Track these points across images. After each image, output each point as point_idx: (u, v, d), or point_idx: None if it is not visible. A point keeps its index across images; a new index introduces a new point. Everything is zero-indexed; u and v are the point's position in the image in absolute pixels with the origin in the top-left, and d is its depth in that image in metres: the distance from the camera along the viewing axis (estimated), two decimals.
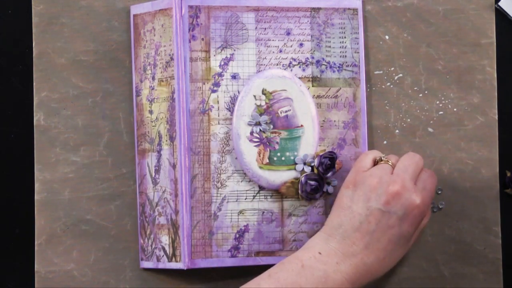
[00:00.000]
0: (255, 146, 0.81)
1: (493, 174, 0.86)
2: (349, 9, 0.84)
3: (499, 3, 0.87)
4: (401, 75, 0.86)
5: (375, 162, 0.78)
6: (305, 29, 0.83)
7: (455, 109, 0.86)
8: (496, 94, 0.87)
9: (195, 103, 0.80)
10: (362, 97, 0.84)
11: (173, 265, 0.81)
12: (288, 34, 0.83)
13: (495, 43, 0.87)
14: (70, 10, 0.84)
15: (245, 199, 0.82)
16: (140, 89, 0.83)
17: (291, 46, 0.83)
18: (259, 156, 0.81)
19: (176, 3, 0.80)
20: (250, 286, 0.70)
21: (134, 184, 0.84)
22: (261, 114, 0.81)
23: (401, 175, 0.74)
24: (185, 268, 0.80)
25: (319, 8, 0.83)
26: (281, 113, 0.82)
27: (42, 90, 0.84)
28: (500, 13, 0.87)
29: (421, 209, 0.72)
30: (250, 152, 0.81)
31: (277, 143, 0.82)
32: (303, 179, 0.82)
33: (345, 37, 0.84)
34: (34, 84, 0.84)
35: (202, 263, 0.80)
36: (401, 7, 0.86)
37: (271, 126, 0.82)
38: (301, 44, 0.83)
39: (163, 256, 0.81)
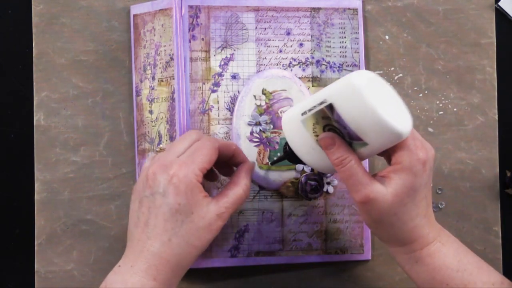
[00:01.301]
0: (255, 146, 0.81)
1: (493, 174, 0.86)
2: (349, 9, 0.84)
3: (499, 3, 0.87)
4: (401, 75, 0.86)
5: None
6: (305, 29, 0.83)
7: (455, 109, 0.86)
8: (496, 94, 0.87)
9: (195, 103, 0.80)
10: None
11: None
12: (288, 34, 0.83)
13: (495, 43, 0.87)
14: (70, 10, 0.84)
15: None
16: (140, 89, 0.83)
17: (291, 46, 0.83)
18: (259, 156, 0.81)
19: (176, 3, 0.80)
20: None
21: (134, 184, 0.84)
22: (261, 114, 0.81)
23: (161, 155, 0.71)
24: None
25: (319, 8, 0.83)
26: (281, 113, 0.82)
27: (42, 90, 0.84)
28: (500, 13, 0.87)
29: (180, 176, 0.67)
30: (250, 152, 0.81)
31: (277, 143, 0.82)
32: (303, 179, 0.82)
33: (345, 37, 0.84)
34: (34, 84, 0.84)
35: (202, 263, 0.80)
36: (401, 7, 0.86)
37: (271, 126, 0.82)
38: (301, 44, 0.83)
39: None
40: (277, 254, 0.82)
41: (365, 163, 0.84)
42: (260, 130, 0.82)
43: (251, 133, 0.81)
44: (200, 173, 0.68)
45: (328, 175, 0.82)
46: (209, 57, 0.81)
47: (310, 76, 0.83)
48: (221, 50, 0.81)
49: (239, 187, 0.72)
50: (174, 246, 0.67)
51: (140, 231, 0.68)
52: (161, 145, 0.79)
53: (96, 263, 0.83)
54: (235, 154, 0.74)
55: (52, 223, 0.83)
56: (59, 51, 0.84)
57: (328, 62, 0.84)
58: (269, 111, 0.82)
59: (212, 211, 0.69)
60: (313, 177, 0.82)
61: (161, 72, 0.81)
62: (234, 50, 0.82)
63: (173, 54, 0.80)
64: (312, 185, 0.82)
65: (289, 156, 0.74)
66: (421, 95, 0.86)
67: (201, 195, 0.68)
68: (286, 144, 0.73)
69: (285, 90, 0.82)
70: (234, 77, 0.81)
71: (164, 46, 0.81)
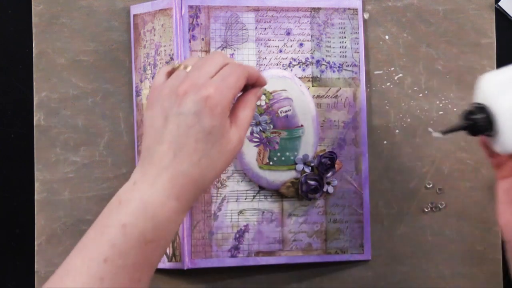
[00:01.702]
0: (255, 146, 0.81)
1: (493, 174, 0.86)
2: (349, 9, 0.84)
3: (499, 3, 0.87)
4: (401, 75, 0.86)
5: (171, 74, 0.71)
6: (305, 29, 0.83)
7: (455, 109, 0.86)
8: None
9: None
10: (362, 97, 0.84)
11: (173, 265, 0.80)
12: (288, 34, 0.83)
13: (495, 43, 0.87)
14: (70, 10, 0.84)
15: (245, 199, 0.82)
16: (140, 89, 0.83)
17: (291, 46, 0.83)
18: (259, 156, 0.81)
19: (176, 3, 0.80)
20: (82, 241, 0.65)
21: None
22: (261, 114, 0.81)
23: (191, 74, 0.67)
24: (185, 268, 0.80)
25: (319, 8, 0.83)
26: (281, 113, 0.82)
27: (42, 90, 0.84)
28: (500, 13, 0.87)
29: (216, 99, 0.65)
30: (250, 152, 0.81)
31: (277, 143, 0.82)
32: (303, 179, 0.82)
33: (345, 37, 0.84)
34: (34, 84, 0.84)
35: (202, 263, 0.80)
36: (401, 7, 0.86)
37: (271, 126, 0.82)
38: (301, 44, 0.83)
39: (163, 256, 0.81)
40: (277, 254, 0.82)
41: (365, 162, 0.84)
42: (260, 130, 0.82)
43: (251, 133, 0.81)
44: (232, 99, 0.66)
45: (328, 175, 0.82)
46: None
47: (310, 76, 0.83)
48: (221, 50, 0.81)
49: (248, 109, 0.69)
50: (202, 167, 0.65)
51: (165, 149, 0.65)
52: (176, 62, 0.74)
53: None
54: (257, 81, 0.71)
55: (52, 223, 0.83)
56: (59, 51, 0.84)
57: (328, 62, 0.84)
58: (269, 111, 0.82)
59: (236, 135, 0.67)
60: (313, 177, 0.82)
61: None
62: (234, 50, 0.82)
63: (173, 54, 0.80)
64: (312, 185, 0.82)
65: (474, 126, 0.69)
66: (421, 95, 0.86)
67: (229, 120, 0.66)
68: (471, 112, 0.69)
69: (285, 90, 0.82)
70: None
71: (164, 46, 0.81)
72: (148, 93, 0.70)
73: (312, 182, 0.82)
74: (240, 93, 0.69)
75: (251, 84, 0.70)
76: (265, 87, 0.81)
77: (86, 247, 0.63)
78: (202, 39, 0.81)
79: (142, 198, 0.63)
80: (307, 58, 0.83)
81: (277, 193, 0.82)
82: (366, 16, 0.85)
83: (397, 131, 0.86)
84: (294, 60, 0.83)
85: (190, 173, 0.64)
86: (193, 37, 0.81)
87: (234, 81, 0.66)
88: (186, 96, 0.65)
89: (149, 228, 0.62)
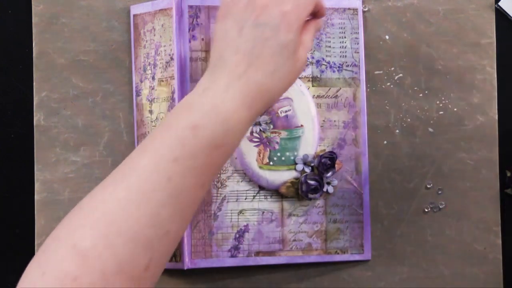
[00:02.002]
0: (255, 146, 0.81)
1: (493, 174, 0.86)
2: (349, 9, 0.84)
3: (499, 3, 0.87)
4: (401, 75, 0.86)
5: None
6: None
7: (455, 109, 0.86)
8: (496, 94, 0.87)
9: None
10: (362, 97, 0.84)
11: (173, 265, 0.81)
12: None
13: (495, 43, 0.87)
14: (70, 10, 0.84)
15: (245, 199, 0.82)
16: (140, 89, 0.83)
17: None
18: (259, 156, 0.81)
19: (176, 3, 0.80)
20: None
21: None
22: (261, 114, 0.81)
23: None
24: (185, 268, 0.80)
25: None
26: (281, 113, 0.82)
27: (42, 90, 0.84)
28: (500, 13, 0.87)
29: (294, 15, 0.66)
30: (250, 152, 0.81)
31: (277, 143, 0.82)
32: (303, 179, 0.82)
33: (345, 37, 0.84)
34: (34, 84, 0.84)
35: (202, 263, 0.80)
36: (401, 7, 0.86)
37: (271, 126, 0.82)
38: None
39: None
40: (277, 254, 0.82)
41: (365, 163, 0.84)
42: (260, 130, 0.82)
43: (251, 133, 0.81)
44: (305, 17, 0.67)
45: (328, 175, 0.82)
46: (209, 57, 0.81)
47: (310, 76, 0.83)
48: None
49: (311, 34, 0.70)
50: (275, 79, 0.65)
51: (239, 58, 0.65)
52: None
53: None
54: (319, 11, 0.71)
55: (52, 223, 0.83)
56: (59, 51, 0.84)
57: (328, 62, 0.84)
58: (269, 111, 0.82)
59: (303, 54, 0.68)
60: (313, 177, 0.82)
61: (161, 72, 0.81)
62: None
63: (173, 54, 0.80)
64: (312, 185, 0.82)
65: None
66: (421, 95, 0.86)
67: (300, 40, 0.67)
68: None
69: None
70: None
71: (164, 46, 0.81)
72: (220, 5, 0.69)
73: (312, 182, 0.82)
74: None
75: (313, 13, 0.71)
76: None
77: (154, 146, 0.61)
78: (202, 39, 0.81)
79: (214, 103, 0.63)
80: (307, 58, 0.83)
81: (277, 193, 0.82)
82: (366, 8, 0.85)
83: (397, 131, 0.86)
84: None
85: (264, 83, 0.65)
86: (193, 37, 0.81)
87: (309, 1, 0.68)
88: (265, 9, 0.65)
89: (220, 132, 0.62)
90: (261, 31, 0.65)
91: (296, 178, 0.82)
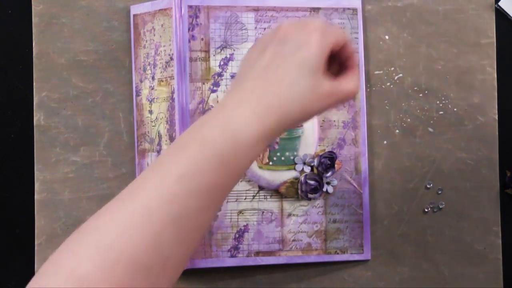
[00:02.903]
0: None
1: (493, 174, 0.86)
2: (348, 9, 0.84)
3: (499, 3, 0.87)
4: (401, 75, 0.86)
5: None
6: None
7: (455, 109, 0.86)
8: (496, 94, 0.87)
9: (194, 103, 0.80)
10: (362, 97, 0.84)
11: None
12: None
13: (495, 43, 0.87)
14: (70, 10, 0.84)
15: (245, 199, 0.82)
16: (140, 89, 0.83)
17: None
18: (259, 156, 0.81)
19: (176, 3, 0.80)
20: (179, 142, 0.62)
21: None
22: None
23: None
24: (185, 268, 0.79)
25: (318, 8, 0.83)
26: None
27: (42, 90, 0.84)
28: (500, 13, 0.87)
29: (317, 36, 0.64)
30: None
31: (277, 143, 0.82)
32: (302, 179, 0.82)
33: None
34: (34, 84, 0.84)
35: (202, 263, 0.80)
36: (401, 7, 0.86)
37: None
38: None
39: None
40: (277, 254, 0.82)
41: (364, 163, 0.84)
42: None
43: None
44: (332, 44, 0.65)
45: (328, 174, 0.82)
46: (209, 57, 0.81)
47: None
48: (221, 50, 0.81)
49: (350, 80, 0.67)
50: (289, 94, 0.63)
51: (256, 75, 0.64)
52: None
53: None
54: (350, 58, 0.69)
55: (52, 223, 0.83)
56: (59, 51, 0.84)
57: None
58: None
59: (328, 86, 0.65)
60: (313, 177, 0.82)
61: (161, 72, 0.81)
62: (234, 50, 0.82)
63: (172, 54, 0.80)
64: (312, 185, 0.82)
65: None
66: (421, 95, 0.86)
67: (323, 65, 0.65)
68: None
69: None
70: (233, 77, 0.81)
71: (164, 46, 0.81)
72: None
73: (312, 182, 0.82)
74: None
75: (340, 50, 0.68)
76: None
77: (163, 163, 0.60)
78: (202, 39, 0.81)
79: (225, 118, 0.61)
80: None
81: (276, 193, 0.82)
82: None
83: (397, 131, 0.86)
84: None
85: (277, 98, 0.62)
86: (192, 37, 0.81)
87: (337, 28, 0.66)
88: (290, 29, 0.65)
89: (229, 148, 0.60)
90: (282, 47, 0.64)
91: (296, 178, 0.82)
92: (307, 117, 0.65)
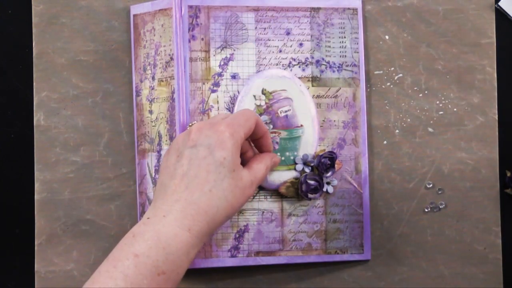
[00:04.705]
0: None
1: (493, 174, 0.86)
2: (348, 9, 0.84)
3: (499, 3, 0.87)
4: (401, 75, 0.86)
5: None
6: (304, 29, 0.83)
7: (455, 109, 0.86)
8: (496, 94, 0.87)
9: (195, 103, 0.80)
10: (362, 97, 0.84)
11: None
12: (288, 34, 0.83)
13: (495, 43, 0.87)
14: (70, 10, 0.84)
15: None
16: (140, 89, 0.83)
17: (290, 46, 0.83)
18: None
19: (176, 3, 0.80)
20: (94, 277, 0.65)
21: (134, 184, 0.84)
22: (261, 114, 0.81)
23: (205, 120, 0.73)
24: None
25: (318, 8, 0.83)
26: (281, 113, 0.82)
27: (42, 90, 0.84)
28: (500, 13, 0.87)
29: (227, 134, 0.68)
30: None
31: (277, 143, 0.82)
32: (303, 179, 0.82)
33: (345, 37, 0.84)
34: (34, 84, 0.84)
35: (202, 263, 0.80)
36: (401, 7, 0.86)
37: (271, 126, 0.82)
38: (300, 44, 0.83)
39: None
40: (277, 254, 0.82)
41: (364, 163, 0.84)
42: None
43: None
44: (243, 136, 0.70)
45: (328, 174, 0.82)
46: (209, 57, 0.81)
47: (310, 76, 0.83)
48: (221, 50, 0.81)
49: (263, 164, 0.73)
50: (214, 197, 0.66)
51: (177, 182, 0.67)
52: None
53: (96, 263, 0.83)
54: (264, 136, 0.75)
55: (52, 223, 0.83)
56: (59, 51, 0.84)
57: (328, 62, 0.84)
58: (269, 111, 0.82)
59: (247, 176, 0.69)
60: (313, 177, 0.82)
61: (161, 72, 0.81)
62: (234, 50, 0.82)
63: (173, 54, 0.80)
64: (312, 185, 0.82)
65: None
66: (421, 95, 0.86)
67: (239, 160, 0.69)
68: None
69: (285, 90, 0.82)
70: (233, 77, 0.82)
71: (164, 46, 0.81)
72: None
73: (312, 182, 0.82)
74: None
75: (259, 139, 0.74)
76: (264, 87, 0.82)
77: (97, 282, 0.63)
78: (202, 39, 0.81)
79: (155, 229, 0.64)
80: (307, 58, 0.83)
81: (277, 193, 0.82)
82: None
83: (397, 131, 0.86)
84: (294, 60, 0.83)
85: (201, 202, 0.66)
86: (193, 37, 0.81)
87: (245, 119, 0.70)
88: (200, 132, 0.68)
89: (162, 258, 0.63)
90: (197, 152, 0.67)
91: (296, 178, 0.82)
92: (236, 211, 0.69)
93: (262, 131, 0.74)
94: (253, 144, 0.77)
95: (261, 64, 0.82)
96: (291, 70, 0.83)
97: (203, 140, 0.68)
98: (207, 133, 0.68)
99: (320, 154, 0.82)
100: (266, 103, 0.82)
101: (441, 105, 0.86)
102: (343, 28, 0.84)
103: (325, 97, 0.84)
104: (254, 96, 0.81)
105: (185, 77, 0.80)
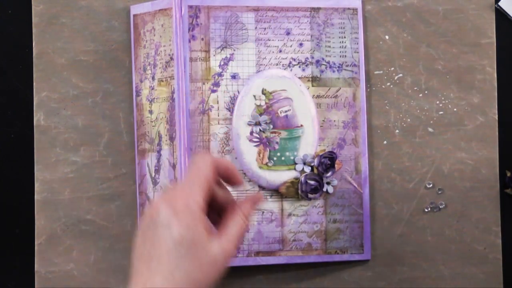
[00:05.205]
0: (255, 146, 0.81)
1: (493, 174, 0.86)
2: (348, 9, 0.84)
3: (499, 3, 0.87)
4: (401, 75, 0.86)
5: None
6: (304, 29, 0.83)
7: (455, 109, 0.86)
8: (496, 94, 0.87)
9: (195, 103, 0.80)
10: (362, 97, 0.84)
11: None
12: (288, 34, 0.83)
13: (495, 43, 0.87)
14: (70, 10, 0.84)
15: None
16: (140, 89, 0.83)
17: (290, 46, 0.83)
18: (259, 156, 0.81)
19: (176, 3, 0.80)
20: None
21: (134, 184, 0.84)
22: (261, 114, 0.81)
23: (169, 187, 0.67)
24: None
25: (318, 8, 0.84)
26: (281, 113, 0.82)
27: (42, 90, 0.84)
28: (500, 13, 0.87)
29: (182, 205, 0.64)
30: (250, 152, 0.81)
31: (277, 143, 0.82)
32: (303, 179, 0.82)
33: (344, 37, 0.84)
34: (34, 84, 0.84)
35: None
36: (401, 7, 0.86)
37: (271, 126, 0.82)
38: (300, 44, 0.83)
39: None
40: (277, 254, 0.82)
41: (364, 163, 0.84)
42: (260, 130, 0.82)
43: (251, 133, 0.81)
44: (203, 200, 0.65)
45: (328, 174, 0.82)
46: (209, 57, 0.81)
47: (310, 76, 0.83)
48: (221, 50, 0.81)
49: (234, 225, 0.67)
50: (177, 281, 0.63)
51: (141, 265, 0.64)
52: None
53: (96, 263, 0.83)
54: (231, 173, 0.69)
55: (52, 223, 0.83)
56: (59, 51, 0.84)
57: (328, 62, 0.84)
58: (269, 111, 0.82)
59: (217, 248, 0.65)
60: (313, 177, 0.82)
61: (161, 72, 0.81)
62: (234, 50, 0.82)
63: (173, 54, 0.80)
64: (312, 185, 0.82)
65: None
66: (421, 95, 0.86)
67: (204, 229, 0.64)
68: None
69: (285, 90, 0.82)
70: (234, 77, 0.82)
71: (164, 46, 0.81)
72: None
73: (312, 182, 0.82)
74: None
75: (228, 178, 0.68)
76: (265, 87, 0.82)
77: None
78: (202, 39, 0.81)
79: None
80: (307, 58, 0.83)
81: (277, 193, 0.82)
82: None
83: (397, 131, 0.86)
84: (294, 60, 0.83)
85: (165, 286, 0.62)
86: (193, 37, 0.81)
87: (199, 179, 0.65)
88: (158, 209, 0.64)
89: None
90: (155, 232, 0.64)
91: (296, 178, 0.82)
92: (213, 284, 0.64)
93: (223, 169, 0.68)
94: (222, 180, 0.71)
95: (261, 64, 0.82)
96: (291, 70, 0.83)
97: (161, 218, 0.64)
98: (164, 210, 0.64)
99: (320, 154, 0.82)
100: (266, 103, 0.82)
101: (441, 105, 0.86)
102: (343, 28, 0.84)
103: (325, 97, 0.84)
104: (254, 96, 0.81)
105: (185, 77, 0.80)
